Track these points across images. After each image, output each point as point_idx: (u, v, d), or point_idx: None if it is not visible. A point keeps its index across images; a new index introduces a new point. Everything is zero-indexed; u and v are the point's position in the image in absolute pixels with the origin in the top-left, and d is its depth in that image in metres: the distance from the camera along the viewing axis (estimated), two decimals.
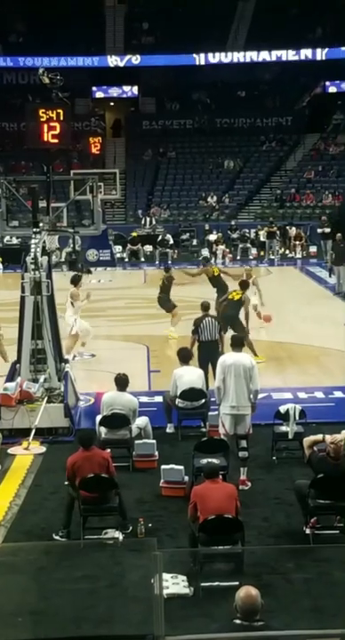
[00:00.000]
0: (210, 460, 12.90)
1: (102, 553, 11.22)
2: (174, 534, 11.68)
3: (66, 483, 12.18)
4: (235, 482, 13.03)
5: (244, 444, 13.76)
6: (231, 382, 13.70)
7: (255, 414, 14.09)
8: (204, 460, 12.82)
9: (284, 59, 54.83)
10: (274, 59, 55.02)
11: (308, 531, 11.52)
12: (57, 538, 11.69)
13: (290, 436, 14.71)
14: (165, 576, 9.74)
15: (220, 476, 12.42)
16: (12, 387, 16.16)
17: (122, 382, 14.98)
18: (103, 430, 14.59)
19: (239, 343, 14.53)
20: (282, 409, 15.00)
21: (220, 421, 13.95)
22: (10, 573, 10.52)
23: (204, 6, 56.02)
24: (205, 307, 18.77)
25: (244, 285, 21.67)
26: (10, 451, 15.10)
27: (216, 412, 14.42)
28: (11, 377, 16.94)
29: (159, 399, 17.00)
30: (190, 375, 16.01)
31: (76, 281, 21.91)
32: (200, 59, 54.63)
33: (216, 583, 10.25)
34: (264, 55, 54.93)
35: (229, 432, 13.75)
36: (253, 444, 14.46)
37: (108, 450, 13.27)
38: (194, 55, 54.40)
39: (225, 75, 56.80)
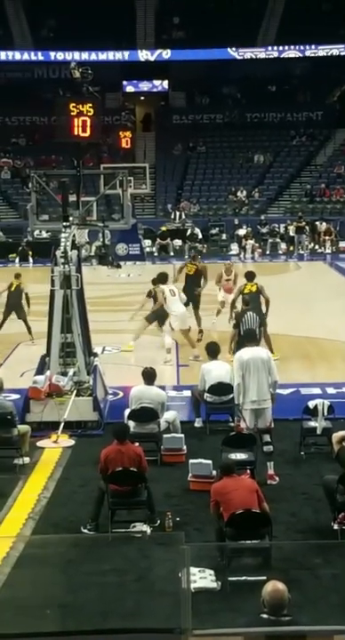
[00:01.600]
0: (237, 454, 12.92)
1: (130, 546, 11.24)
2: (202, 528, 11.68)
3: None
4: (263, 477, 13.07)
5: (267, 438, 13.72)
6: (250, 377, 13.71)
7: (284, 409, 14.12)
8: (233, 455, 12.82)
9: (314, 54, 54.75)
10: (305, 54, 54.97)
11: (335, 526, 11.49)
12: (85, 531, 11.72)
13: (318, 432, 14.66)
14: (193, 570, 9.75)
15: (248, 471, 12.42)
16: (41, 380, 16.21)
17: (149, 376, 15.00)
18: (132, 424, 14.58)
19: (254, 338, 14.59)
20: (310, 404, 14.97)
21: (242, 416, 13.92)
22: (38, 566, 10.58)
23: (235, 0, 56.06)
24: (246, 301, 18.76)
25: (252, 276, 21.36)
26: (39, 444, 15.16)
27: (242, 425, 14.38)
28: (40, 370, 17.02)
29: (187, 393, 16.99)
30: (218, 370, 15.98)
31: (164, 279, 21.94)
32: (231, 53, 54.61)
33: (244, 578, 10.25)
34: (295, 50, 54.90)
35: (250, 426, 13.71)
36: (282, 439, 14.51)
37: (137, 444, 13.32)
38: (225, 49, 54.39)
39: (255, 69, 56.69)
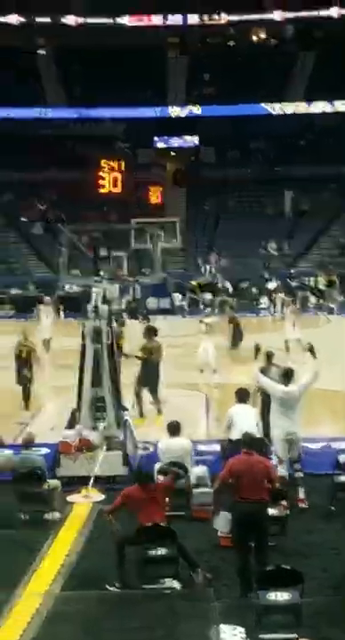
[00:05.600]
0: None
1: (159, 603, 11.14)
2: (232, 585, 11.57)
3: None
4: (295, 532, 13.03)
5: (298, 466, 14.71)
6: (287, 412, 14.86)
7: (315, 463, 15.01)
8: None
9: (344, 108, 55.10)
10: (334, 109, 55.30)
11: None
12: (112, 589, 11.62)
13: None
14: (223, 627, 9.68)
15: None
16: (71, 434, 16.27)
17: (173, 428, 15.04)
18: (162, 479, 14.56)
19: (291, 377, 15.23)
20: (341, 458, 14.93)
21: (274, 452, 14.82)
22: (68, 622, 10.53)
23: (265, 57, 56.66)
24: (269, 355, 18.74)
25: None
26: (69, 499, 15.12)
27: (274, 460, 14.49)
28: (70, 424, 17.04)
29: (218, 447, 16.93)
30: (247, 414, 15.84)
31: None
32: (263, 107, 55.14)
33: (274, 635, 10.13)
34: (324, 105, 55.27)
35: (283, 458, 14.70)
36: (313, 493, 14.62)
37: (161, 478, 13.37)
38: (255, 105, 54.91)
39: (284, 123, 56.97)
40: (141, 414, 20.69)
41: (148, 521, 11.83)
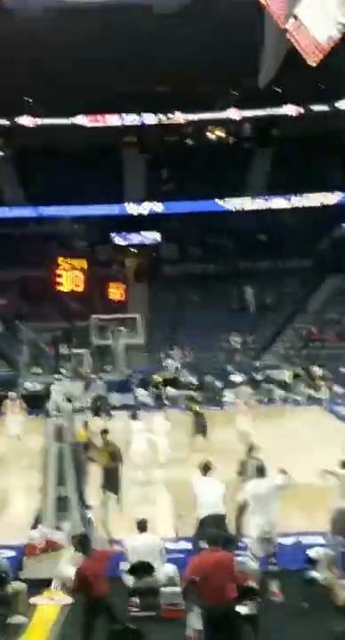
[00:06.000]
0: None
1: None
2: None
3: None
4: (268, 631, 12.73)
5: (273, 560, 14.52)
6: (259, 509, 14.77)
7: (285, 559, 14.66)
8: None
9: (303, 204, 55.91)
10: (293, 204, 56.13)
11: None
12: None
13: (320, 582, 14.33)
14: None
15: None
16: (36, 535, 15.95)
17: (142, 525, 14.79)
18: (131, 579, 14.25)
19: (263, 472, 15.49)
20: (311, 554, 14.78)
21: (249, 551, 14.51)
22: None
23: (223, 155, 57.54)
24: (251, 448, 18.76)
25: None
26: (33, 601, 14.70)
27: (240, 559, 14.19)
28: (35, 525, 16.72)
29: (185, 546, 16.60)
30: (210, 489, 15.84)
31: None
32: (221, 204, 55.78)
33: None
34: (283, 200, 56.08)
35: (258, 555, 14.43)
36: (283, 590, 14.27)
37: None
38: (215, 201, 55.58)
39: (245, 219, 57.65)
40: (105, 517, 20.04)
41: (100, 592, 12.30)
